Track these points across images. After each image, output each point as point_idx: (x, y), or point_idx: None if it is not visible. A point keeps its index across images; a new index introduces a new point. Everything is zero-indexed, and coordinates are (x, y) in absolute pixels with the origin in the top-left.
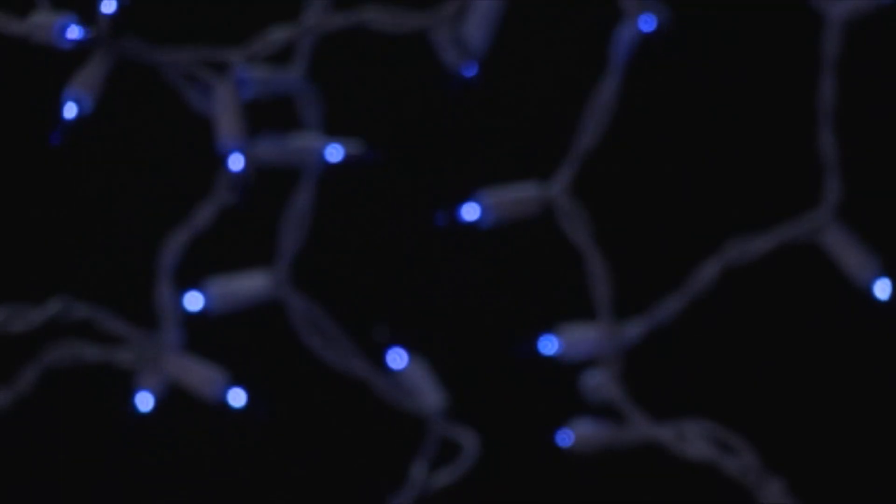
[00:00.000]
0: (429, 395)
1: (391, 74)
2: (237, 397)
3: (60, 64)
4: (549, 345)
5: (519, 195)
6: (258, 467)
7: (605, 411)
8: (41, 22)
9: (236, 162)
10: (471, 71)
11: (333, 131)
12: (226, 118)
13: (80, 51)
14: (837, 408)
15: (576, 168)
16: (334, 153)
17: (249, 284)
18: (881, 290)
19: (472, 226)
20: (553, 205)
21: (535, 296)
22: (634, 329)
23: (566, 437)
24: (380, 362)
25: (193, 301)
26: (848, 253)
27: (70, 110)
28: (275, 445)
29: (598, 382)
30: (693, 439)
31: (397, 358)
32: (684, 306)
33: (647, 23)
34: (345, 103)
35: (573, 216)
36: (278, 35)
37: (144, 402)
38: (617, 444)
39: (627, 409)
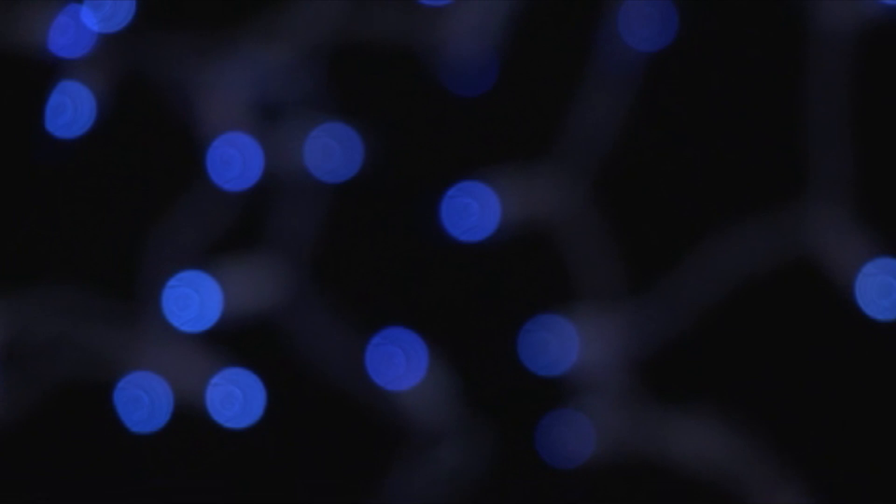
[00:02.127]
0: (431, 413)
1: (397, 80)
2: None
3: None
4: (554, 338)
5: (539, 209)
6: (254, 476)
7: (612, 412)
8: (35, 28)
9: (226, 155)
10: (478, 83)
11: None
12: (217, 114)
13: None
14: (852, 408)
15: (592, 180)
16: (343, 162)
17: (250, 292)
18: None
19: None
20: (574, 218)
21: (538, 296)
22: (643, 329)
23: (569, 439)
24: (381, 374)
25: (192, 312)
26: (834, 249)
27: (56, 127)
28: (270, 453)
29: (606, 382)
30: (706, 440)
31: (399, 376)
32: (686, 304)
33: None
34: (351, 107)
35: (594, 227)
36: (284, 41)
37: (129, 398)
38: (628, 443)
39: (637, 409)
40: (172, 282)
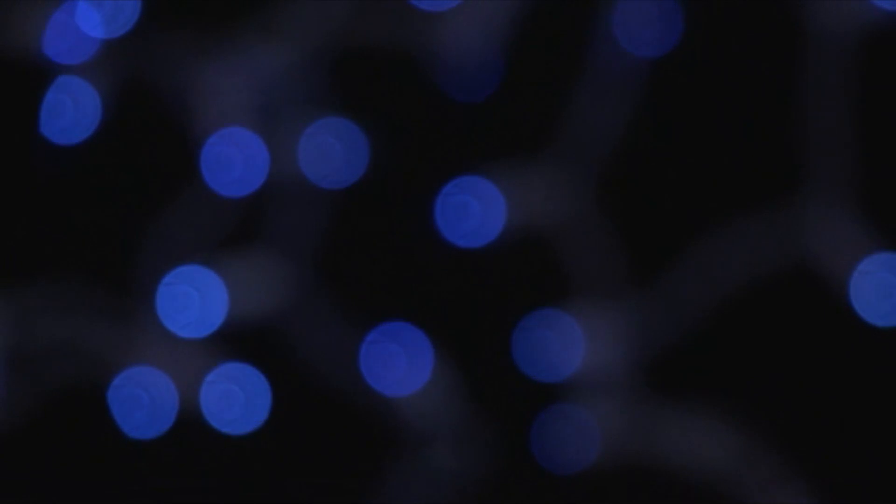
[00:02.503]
0: (434, 417)
1: (397, 84)
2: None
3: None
4: (556, 338)
5: (541, 209)
6: (251, 479)
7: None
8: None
9: (224, 154)
10: (479, 89)
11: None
12: (216, 115)
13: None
14: (855, 406)
15: (594, 180)
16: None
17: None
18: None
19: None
20: (575, 218)
21: (539, 296)
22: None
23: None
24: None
25: (191, 314)
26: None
27: (55, 131)
28: (269, 455)
29: (608, 384)
30: (706, 441)
31: (400, 378)
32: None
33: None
34: (350, 110)
35: (595, 226)
36: (284, 43)
37: (126, 398)
38: (630, 446)
39: (639, 411)
40: (169, 278)
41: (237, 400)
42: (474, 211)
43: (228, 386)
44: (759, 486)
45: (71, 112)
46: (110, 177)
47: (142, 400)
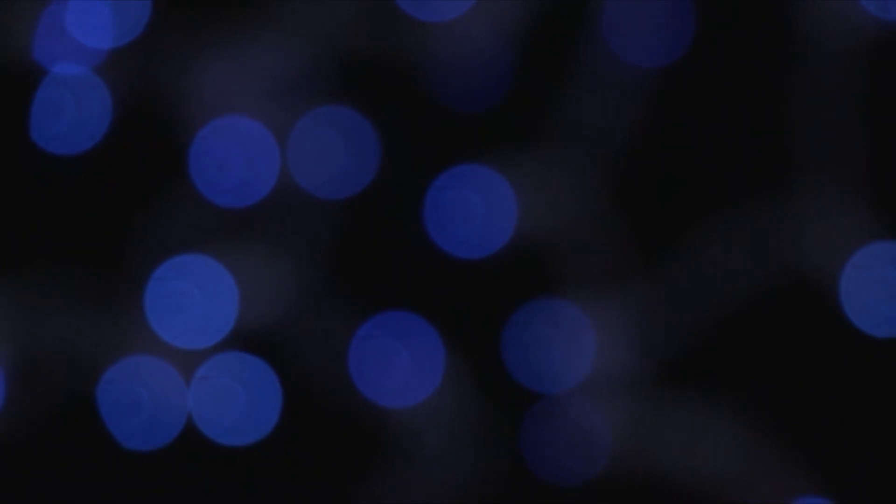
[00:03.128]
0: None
1: (397, 92)
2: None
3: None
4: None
5: (546, 210)
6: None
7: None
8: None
9: (211, 143)
10: (481, 99)
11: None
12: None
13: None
14: (859, 404)
15: (599, 180)
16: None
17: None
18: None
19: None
20: (581, 218)
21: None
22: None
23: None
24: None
25: (190, 317)
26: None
27: (51, 137)
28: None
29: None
30: (716, 437)
31: (402, 383)
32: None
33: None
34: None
35: (601, 228)
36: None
37: (122, 397)
38: (638, 446)
39: (644, 411)
40: (161, 272)
41: (238, 403)
42: (476, 208)
43: (227, 383)
44: (760, 486)
45: (72, 114)
46: (109, 178)
47: (141, 400)
